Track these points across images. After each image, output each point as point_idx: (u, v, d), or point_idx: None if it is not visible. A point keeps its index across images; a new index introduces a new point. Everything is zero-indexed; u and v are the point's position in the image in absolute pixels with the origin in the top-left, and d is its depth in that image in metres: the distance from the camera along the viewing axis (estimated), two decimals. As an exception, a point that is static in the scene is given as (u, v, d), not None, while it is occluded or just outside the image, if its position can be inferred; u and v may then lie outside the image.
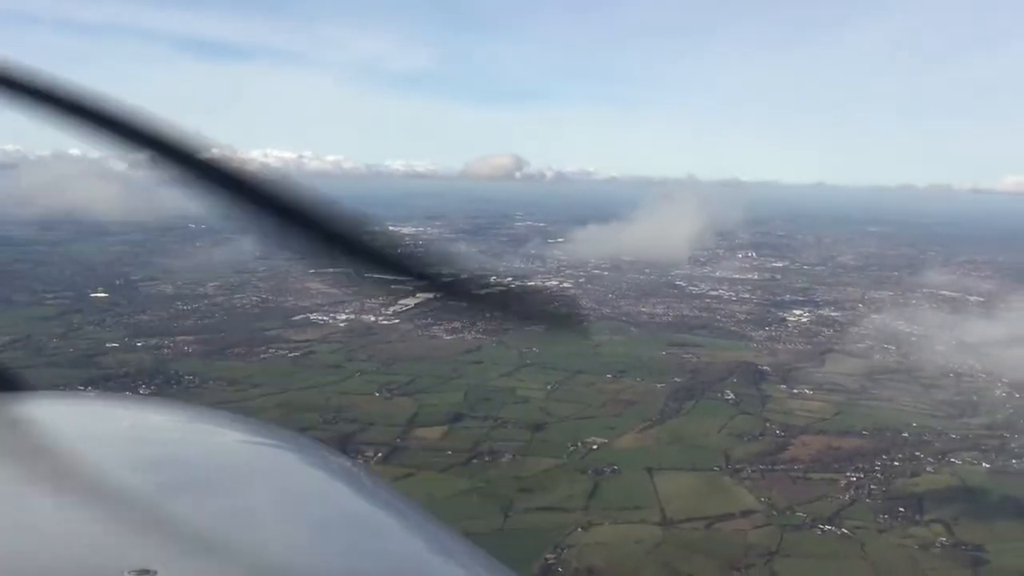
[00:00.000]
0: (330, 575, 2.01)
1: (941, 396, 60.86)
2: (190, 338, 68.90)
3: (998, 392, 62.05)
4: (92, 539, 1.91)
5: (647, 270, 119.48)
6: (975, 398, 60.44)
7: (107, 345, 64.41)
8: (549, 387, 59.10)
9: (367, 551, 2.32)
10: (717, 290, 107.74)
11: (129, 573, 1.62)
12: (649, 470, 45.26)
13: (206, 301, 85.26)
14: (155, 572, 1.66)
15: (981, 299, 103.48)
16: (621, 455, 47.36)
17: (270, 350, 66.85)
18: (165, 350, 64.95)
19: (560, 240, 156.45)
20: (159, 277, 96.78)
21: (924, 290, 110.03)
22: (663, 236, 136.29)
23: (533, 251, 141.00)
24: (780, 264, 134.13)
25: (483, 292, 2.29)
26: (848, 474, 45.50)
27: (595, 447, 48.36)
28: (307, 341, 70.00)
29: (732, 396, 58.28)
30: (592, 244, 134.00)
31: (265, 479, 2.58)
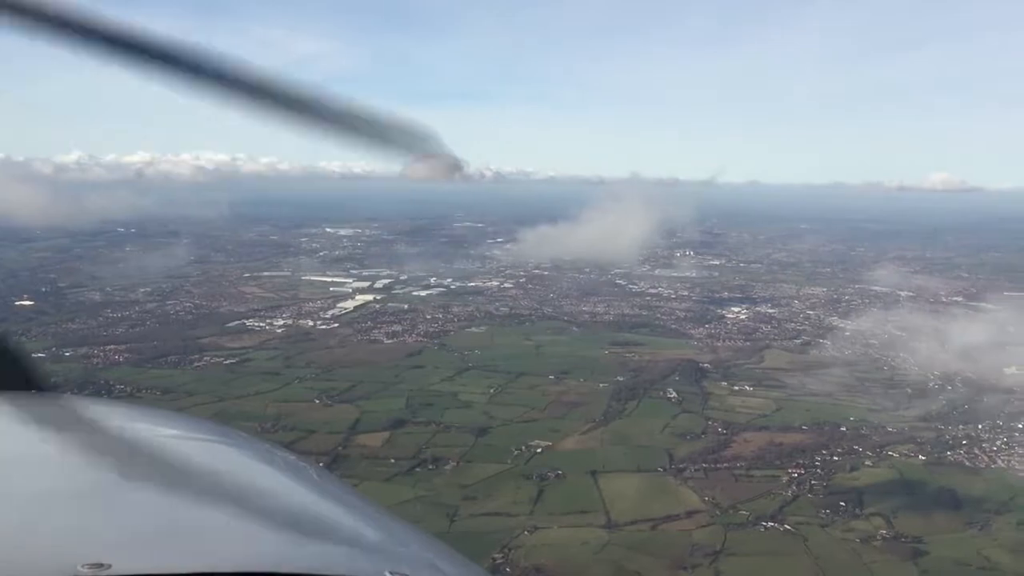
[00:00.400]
0: (282, 562, 2.02)
1: (877, 390, 62.04)
2: (121, 347, 67.03)
3: (931, 384, 63.50)
4: (47, 535, 1.96)
5: (587, 269, 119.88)
6: (909, 391, 61.73)
7: (33, 356, 61.92)
8: (492, 390, 58.61)
9: (318, 538, 2.42)
10: (657, 288, 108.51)
11: (83, 567, 1.68)
12: (593, 473, 45.09)
13: (137, 308, 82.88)
14: (109, 566, 1.71)
15: (911, 294, 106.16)
16: (565, 458, 47.12)
17: (205, 358, 65.20)
18: (95, 359, 63.01)
19: (500, 240, 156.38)
20: (87, 284, 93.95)
21: (856, 286, 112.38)
22: (615, 236, 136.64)
23: (473, 252, 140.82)
24: (717, 262, 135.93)
25: (345, 117, 2.30)
26: (790, 470, 45.97)
27: (539, 450, 48.01)
28: (243, 348, 68.42)
29: (674, 394, 58.54)
30: (542, 245, 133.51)
31: (216, 474, 2.71)
